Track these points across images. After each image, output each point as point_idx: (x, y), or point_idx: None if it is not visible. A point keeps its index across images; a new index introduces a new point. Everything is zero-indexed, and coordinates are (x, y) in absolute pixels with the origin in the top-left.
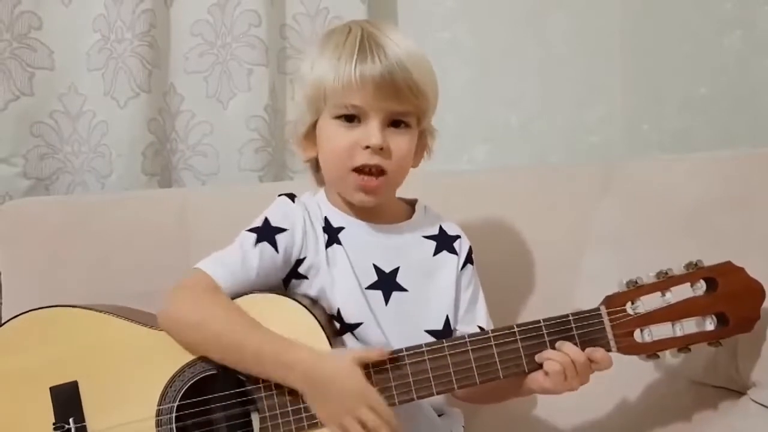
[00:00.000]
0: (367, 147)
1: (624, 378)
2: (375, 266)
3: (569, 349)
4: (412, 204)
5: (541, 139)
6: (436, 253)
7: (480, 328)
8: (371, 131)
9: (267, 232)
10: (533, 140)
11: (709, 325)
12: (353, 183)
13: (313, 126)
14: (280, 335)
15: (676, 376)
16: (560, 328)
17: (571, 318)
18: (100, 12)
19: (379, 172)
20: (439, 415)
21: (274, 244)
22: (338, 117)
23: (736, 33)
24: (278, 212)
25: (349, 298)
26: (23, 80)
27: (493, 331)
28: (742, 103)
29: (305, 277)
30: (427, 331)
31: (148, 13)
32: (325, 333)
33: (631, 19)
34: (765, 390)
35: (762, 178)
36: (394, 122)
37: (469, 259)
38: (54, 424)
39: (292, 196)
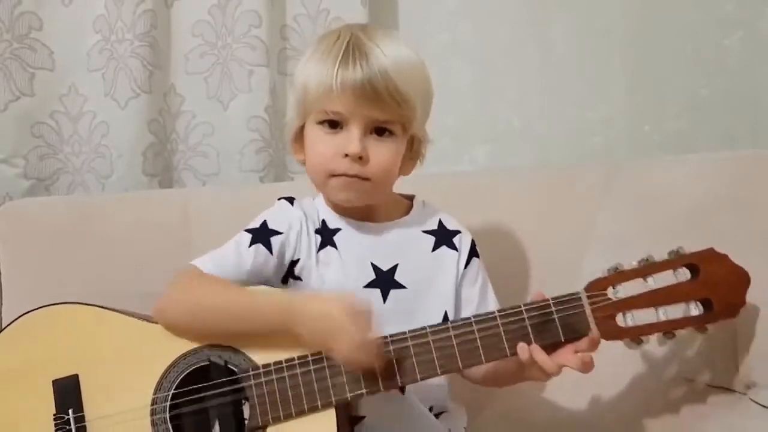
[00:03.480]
0: (347, 155)
1: (622, 377)
2: (373, 265)
3: (543, 361)
4: (410, 199)
5: (542, 139)
6: (434, 248)
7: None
8: (351, 139)
9: (263, 234)
10: (534, 141)
11: (694, 310)
12: (334, 185)
13: (301, 129)
14: (273, 290)
15: (674, 376)
16: (540, 312)
17: (551, 302)
18: (101, 12)
19: (359, 180)
20: (438, 414)
21: (268, 246)
22: (321, 122)
23: (737, 34)
24: (276, 215)
25: None
26: (23, 81)
27: (474, 316)
28: (743, 104)
29: (299, 279)
30: None
31: (149, 13)
32: None
33: (632, 20)
34: (764, 390)
35: (763, 179)
36: (378, 129)
37: (473, 253)
38: (54, 415)
39: (291, 200)
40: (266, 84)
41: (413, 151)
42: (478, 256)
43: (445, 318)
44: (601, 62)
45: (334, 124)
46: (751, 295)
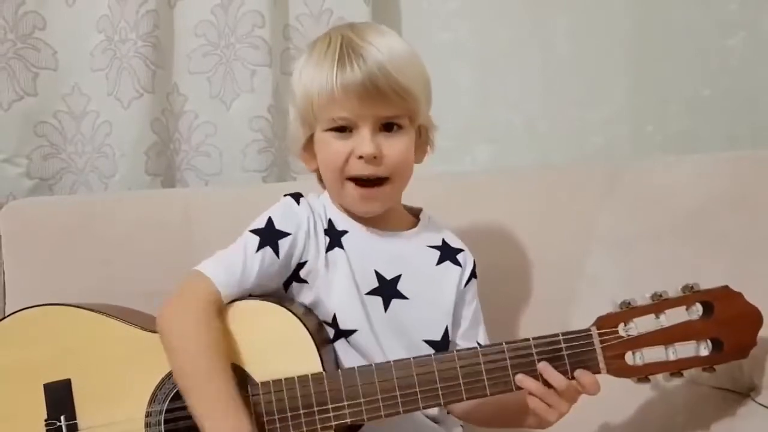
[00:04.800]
0: (361, 157)
1: (625, 379)
2: (376, 272)
3: (550, 374)
4: (416, 213)
5: (544, 140)
6: (439, 262)
7: (479, 344)
8: (363, 141)
9: (270, 236)
10: (536, 141)
11: (704, 350)
12: (353, 194)
13: (310, 138)
14: (230, 396)
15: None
16: (550, 348)
17: (561, 338)
18: (104, 12)
19: (378, 181)
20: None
21: (276, 249)
22: (329, 129)
23: (739, 34)
24: (282, 214)
25: (346, 304)
26: (27, 80)
27: (481, 347)
28: (746, 105)
29: (305, 282)
30: (426, 341)
31: (152, 13)
32: (315, 342)
33: (635, 20)
34: None
35: (765, 179)
36: (387, 126)
37: (473, 274)
38: (46, 420)
39: (297, 197)
40: (269, 84)
41: (422, 139)
42: (476, 278)
43: (446, 333)
44: (603, 62)
45: (343, 129)
46: (754, 298)
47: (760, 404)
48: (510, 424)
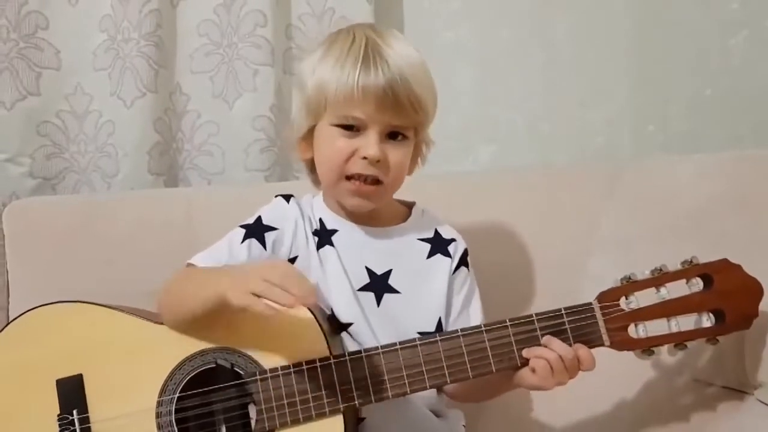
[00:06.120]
0: (365, 158)
1: (629, 377)
2: (367, 268)
3: (556, 345)
4: (409, 207)
5: (545, 140)
6: (430, 255)
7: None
8: (370, 143)
9: (257, 230)
10: (538, 141)
11: (706, 321)
12: (347, 188)
13: (311, 129)
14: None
15: (682, 376)
16: (553, 322)
17: (563, 312)
18: (107, 12)
19: (374, 181)
20: (436, 417)
21: (262, 241)
22: (337, 125)
23: (742, 34)
24: (271, 212)
25: (341, 298)
26: (30, 80)
27: (485, 324)
28: (748, 104)
29: None
30: (420, 333)
31: (155, 13)
32: (322, 329)
33: (636, 19)
34: None
35: (767, 179)
36: (392, 134)
37: (463, 262)
38: (58, 415)
39: (287, 197)
40: (271, 83)
41: (416, 152)
42: (467, 266)
43: (439, 324)
44: (604, 62)
45: (350, 127)
46: None
47: (763, 403)
48: (495, 394)
